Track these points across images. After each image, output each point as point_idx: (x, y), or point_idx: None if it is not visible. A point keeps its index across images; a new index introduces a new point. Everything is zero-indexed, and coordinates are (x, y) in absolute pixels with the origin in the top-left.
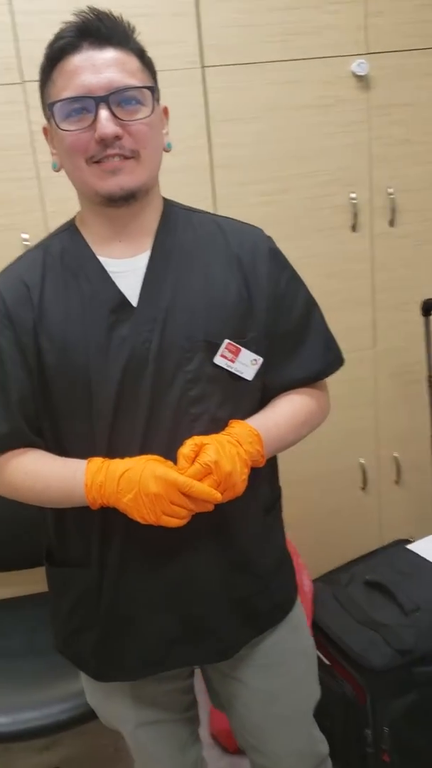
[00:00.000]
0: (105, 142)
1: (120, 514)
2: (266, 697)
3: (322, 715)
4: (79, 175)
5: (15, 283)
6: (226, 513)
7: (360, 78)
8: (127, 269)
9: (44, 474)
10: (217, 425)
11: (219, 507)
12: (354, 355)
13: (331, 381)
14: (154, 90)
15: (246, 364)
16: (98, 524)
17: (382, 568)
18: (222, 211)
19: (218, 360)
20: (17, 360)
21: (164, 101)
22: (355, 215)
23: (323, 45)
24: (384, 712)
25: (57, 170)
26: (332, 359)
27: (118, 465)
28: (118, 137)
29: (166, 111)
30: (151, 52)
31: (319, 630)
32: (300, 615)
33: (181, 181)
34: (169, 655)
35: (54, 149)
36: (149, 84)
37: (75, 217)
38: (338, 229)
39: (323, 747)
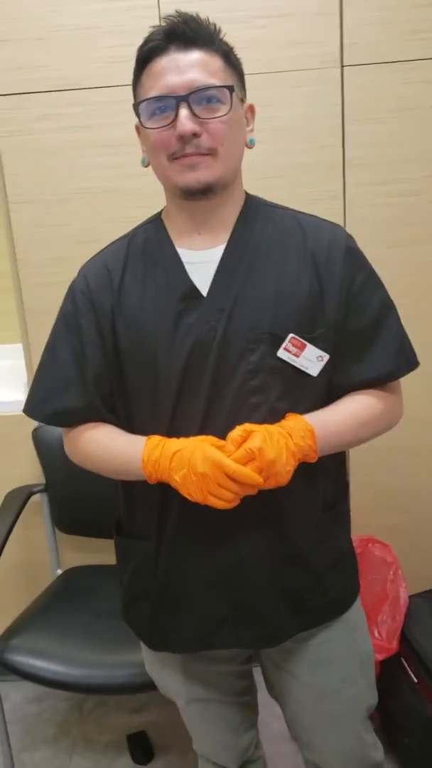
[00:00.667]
0: (184, 139)
1: (176, 491)
2: (316, 693)
3: (402, 730)
4: (162, 171)
5: (99, 270)
6: (282, 503)
7: None
8: (202, 260)
9: (112, 446)
10: (275, 416)
11: (274, 496)
12: None
13: None
14: (233, 89)
15: (311, 359)
16: (158, 499)
17: None
18: (350, 211)
19: (282, 353)
20: (96, 342)
21: (301, 100)
22: None
23: None
24: None
25: (146, 166)
26: (402, 362)
27: (173, 444)
28: (196, 135)
29: (252, 109)
30: (291, 53)
31: (409, 645)
32: (359, 617)
33: (314, 178)
34: (216, 635)
35: (144, 146)
36: (230, 83)
37: (162, 210)
38: None
39: (376, 753)
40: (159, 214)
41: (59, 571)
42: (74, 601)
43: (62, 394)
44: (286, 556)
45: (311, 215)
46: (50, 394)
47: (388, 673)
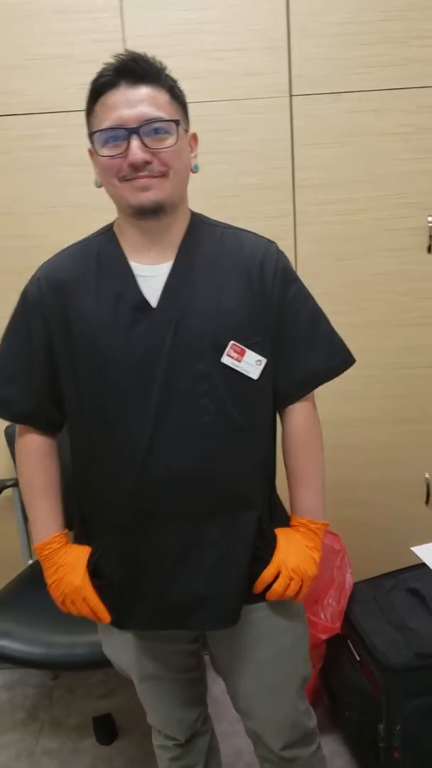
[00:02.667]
0: (135, 167)
1: (124, 494)
2: (255, 666)
3: (343, 704)
4: (115, 191)
5: (54, 274)
6: (228, 500)
7: None
8: (152, 274)
9: (34, 494)
10: (223, 418)
11: (219, 493)
12: (426, 371)
13: (403, 395)
14: (178, 122)
15: (252, 364)
16: (108, 503)
17: (429, 579)
18: (300, 228)
19: (225, 359)
20: (46, 344)
21: (255, 126)
22: (431, 237)
23: (407, 76)
24: (398, 710)
25: (98, 186)
26: (337, 362)
27: (56, 556)
28: (147, 162)
29: (194, 137)
30: (245, 83)
31: (352, 627)
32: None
33: (267, 198)
34: (174, 617)
35: (96, 169)
36: (176, 117)
37: (114, 222)
38: (414, 250)
39: (309, 721)
40: (110, 226)
41: (30, 561)
42: (43, 587)
43: (6, 385)
44: (233, 541)
45: (250, 232)
46: None
47: (332, 652)
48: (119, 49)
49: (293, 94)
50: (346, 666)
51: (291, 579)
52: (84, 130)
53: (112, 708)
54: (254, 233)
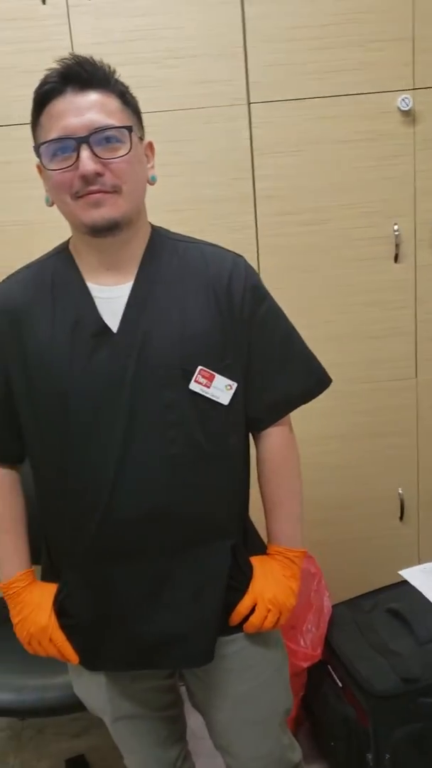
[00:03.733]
0: (87, 179)
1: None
2: (234, 700)
3: (327, 734)
4: (68, 209)
5: (5, 301)
6: (197, 537)
7: (405, 113)
8: (112, 296)
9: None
10: (193, 447)
11: (188, 530)
12: (396, 384)
13: (374, 409)
14: (131, 129)
15: (221, 389)
16: (69, 536)
17: (408, 598)
18: (263, 239)
19: (193, 386)
20: (2, 376)
21: (213, 136)
22: (398, 246)
23: (366, 81)
24: (386, 738)
25: (50, 205)
26: (314, 384)
27: (23, 596)
28: (99, 174)
29: (150, 146)
30: (202, 90)
31: (333, 652)
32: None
33: (227, 210)
34: (146, 656)
35: (46, 186)
36: (128, 123)
37: (68, 241)
38: (381, 260)
39: (293, 754)
40: (65, 246)
41: None
42: (8, 627)
43: None
44: (207, 574)
45: (215, 246)
46: None
47: (315, 679)
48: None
49: (251, 101)
50: (329, 694)
51: (269, 611)
52: (25, 145)
53: (85, 748)
54: (219, 247)
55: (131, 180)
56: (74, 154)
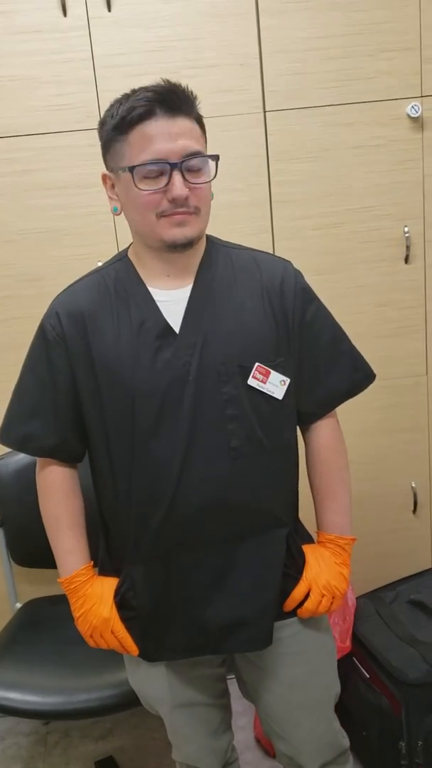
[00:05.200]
0: (176, 202)
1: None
2: (287, 685)
3: (359, 724)
4: (150, 227)
5: (72, 306)
6: (259, 526)
7: (414, 119)
8: (172, 299)
9: (60, 530)
10: (252, 440)
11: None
12: (408, 381)
13: (387, 406)
14: (218, 158)
15: (276, 384)
16: (133, 529)
17: (429, 589)
18: (279, 243)
19: (251, 381)
20: (68, 377)
21: (230, 143)
22: (408, 248)
23: (377, 89)
24: (419, 726)
25: (117, 214)
26: (361, 377)
27: (84, 587)
28: (186, 198)
29: None
30: (219, 99)
31: (360, 643)
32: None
33: (244, 215)
34: (207, 642)
35: (114, 196)
36: (205, 149)
37: (128, 248)
38: (391, 261)
39: (343, 740)
40: (124, 254)
41: (18, 605)
42: (39, 631)
43: (28, 420)
44: (265, 561)
45: (265, 252)
46: (18, 420)
47: (342, 672)
48: (88, 69)
49: (267, 110)
50: (358, 684)
51: (322, 596)
52: (53, 153)
53: (113, 749)
54: (269, 253)
55: (208, 202)
56: (165, 177)
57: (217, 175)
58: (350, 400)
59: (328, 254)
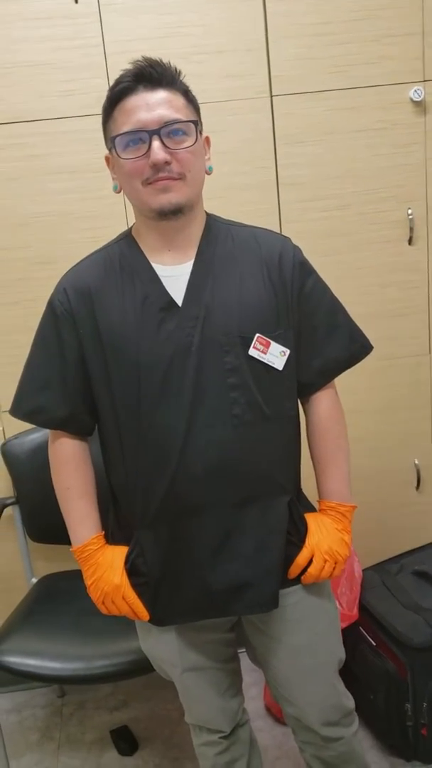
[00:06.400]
0: (157, 167)
1: (156, 486)
2: (293, 650)
3: (366, 688)
4: (137, 195)
5: (79, 282)
6: (259, 489)
7: (417, 103)
8: (174, 274)
9: (72, 500)
10: (253, 408)
11: (251, 484)
12: (411, 360)
13: (390, 385)
14: (197, 123)
15: (276, 355)
16: (141, 497)
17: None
18: (285, 225)
19: (252, 352)
20: (77, 351)
21: (238, 127)
22: (412, 229)
23: (381, 74)
24: (424, 688)
25: (117, 191)
26: (357, 348)
27: (96, 555)
28: (167, 162)
29: (207, 140)
30: (227, 84)
31: (367, 612)
32: (324, 582)
33: (252, 197)
34: (215, 604)
35: (115, 174)
36: (193, 118)
37: (131, 227)
38: (395, 242)
39: (348, 701)
40: (128, 231)
41: (34, 580)
42: (56, 603)
43: (39, 393)
44: (269, 525)
45: (263, 229)
46: (29, 393)
47: (349, 640)
48: (98, 56)
49: (274, 94)
50: (365, 651)
51: (325, 561)
52: (65, 138)
53: (127, 719)
54: (268, 230)
55: (194, 168)
56: (146, 145)
57: (226, 158)
58: (355, 379)
59: (334, 236)
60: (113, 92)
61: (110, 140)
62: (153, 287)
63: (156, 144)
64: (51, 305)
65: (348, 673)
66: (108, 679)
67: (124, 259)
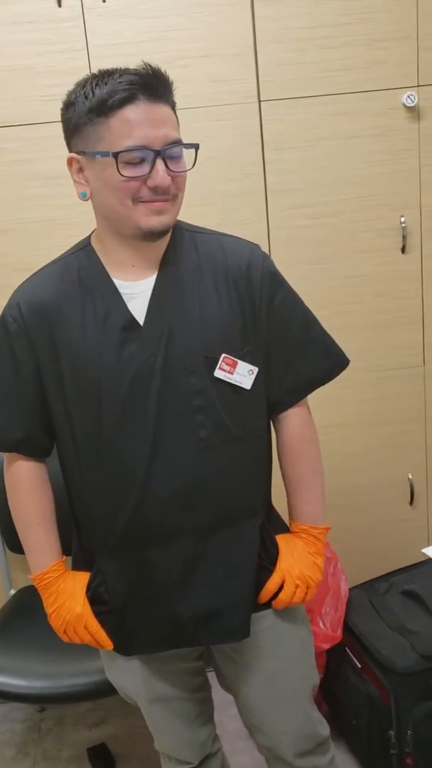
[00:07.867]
0: (158, 190)
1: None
2: (264, 677)
3: (349, 713)
4: (124, 212)
5: (34, 297)
6: (230, 514)
7: (410, 109)
8: (136, 291)
9: (30, 526)
10: (220, 431)
11: (220, 506)
12: (405, 371)
13: (384, 397)
14: (198, 147)
15: (244, 374)
16: (103, 522)
17: (422, 580)
18: (274, 233)
19: (218, 373)
20: (33, 369)
21: (225, 132)
22: (405, 238)
23: (373, 79)
24: (408, 715)
25: (86, 199)
26: (332, 365)
27: (58, 587)
28: (168, 186)
29: None
30: (214, 89)
31: (351, 633)
32: (298, 606)
33: (239, 204)
34: (181, 634)
35: (82, 180)
36: (180, 137)
37: (91, 236)
38: (388, 251)
39: (322, 729)
40: (86, 241)
41: (12, 591)
42: (30, 617)
43: None
44: (239, 551)
45: (232, 237)
46: None
47: (333, 661)
48: (82, 60)
49: (262, 99)
50: (348, 673)
51: (296, 587)
52: (48, 143)
53: (105, 737)
54: (236, 237)
55: (183, 188)
56: (147, 165)
57: (212, 165)
58: (347, 391)
59: (324, 244)
60: (113, 99)
61: (109, 153)
62: (114, 305)
63: (161, 167)
64: (3, 321)
65: (330, 695)
66: (76, 699)
67: (83, 271)
